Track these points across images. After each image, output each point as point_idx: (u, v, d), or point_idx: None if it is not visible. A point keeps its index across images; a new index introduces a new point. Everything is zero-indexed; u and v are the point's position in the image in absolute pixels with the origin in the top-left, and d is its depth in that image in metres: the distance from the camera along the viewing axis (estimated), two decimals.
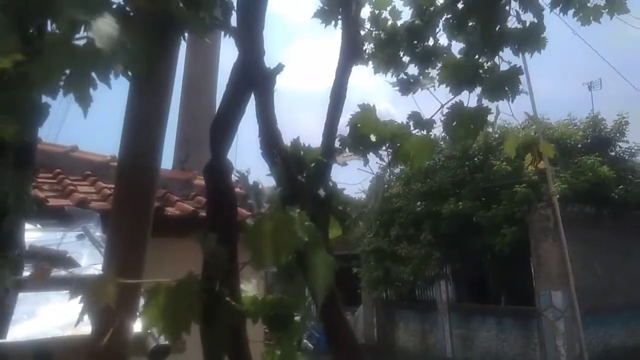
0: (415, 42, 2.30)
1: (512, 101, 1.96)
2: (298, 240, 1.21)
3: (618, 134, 12.14)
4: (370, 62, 2.38)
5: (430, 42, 2.37)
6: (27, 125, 1.17)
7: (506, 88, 1.90)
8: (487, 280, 12.69)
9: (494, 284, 12.44)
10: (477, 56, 1.99)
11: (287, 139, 1.57)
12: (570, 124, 12.60)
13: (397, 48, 2.40)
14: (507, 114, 2.17)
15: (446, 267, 13.16)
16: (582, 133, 12.10)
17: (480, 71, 1.95)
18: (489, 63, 1.99)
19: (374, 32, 2.37)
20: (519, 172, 10.50)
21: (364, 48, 2.33)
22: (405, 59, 2.42)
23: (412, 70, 2.48)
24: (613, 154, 12.09)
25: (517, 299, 11.48)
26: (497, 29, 1.95)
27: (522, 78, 2.33)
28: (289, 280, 1.38)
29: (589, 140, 11.95)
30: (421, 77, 1.93)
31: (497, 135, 12.32)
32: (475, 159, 12.33)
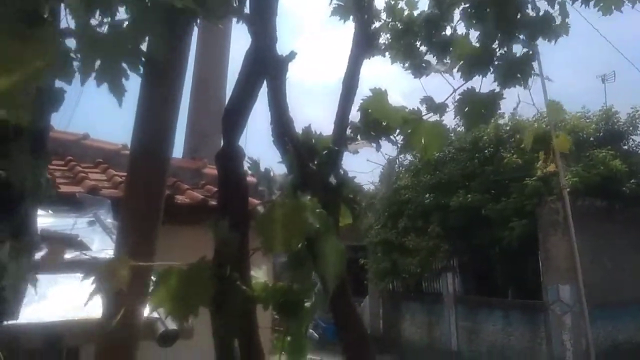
0: (433, 31, 2.29)
1: (524, 87, 1.95)
2: (309, 227, 1.22)
3: (631, 128, 12.00)
4: (387, 53, 2.38)
5: (448, 31, 2.37)
6: (42, 111, 1.19)
7: (518, 74, 1.89)
8: (495, 273, 12.66)
9: (501, 278, 12.40)
10: (491, 43, 1.97)
11: (298, 128, 1.57)
12: (583, 116, 12.47)
13: (414, 38, 2.40)
14: (528, 102, 2.17)
15: (454, 260, 13.13)
16: (594, 126, 11.97)
17: (493, 57, 1.93)
18: (502, 49, 1.98)
19: (390, 23, 2.36)
20: (529, 165, 10.42)
21: (380, 39, 2.33)
22: (422, 48, 2.41)
23: (429, 59, 2.48)
24: (626, 147, 11.96)
25: (524, 292, 11.45)
26: (514, 17, 1.93)
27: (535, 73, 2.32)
28: (299, 267, 1.39)
29: (602, 134, 11.82)
30: (434, 64, 1.92)
31: (508, 128, 12.22)
32: (486, 151, 12.25)
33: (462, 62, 1.90)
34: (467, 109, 1.65)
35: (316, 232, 1.23)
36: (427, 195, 12.76)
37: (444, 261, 13.16)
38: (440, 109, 1.62)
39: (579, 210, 10.28)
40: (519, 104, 2.30)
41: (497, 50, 1.96)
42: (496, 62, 1.93)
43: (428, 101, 1.63)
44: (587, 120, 12.26)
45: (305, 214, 1.22)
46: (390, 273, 13.73)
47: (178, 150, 8.25)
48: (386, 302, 15.13)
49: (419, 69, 1.76)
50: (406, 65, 1.81)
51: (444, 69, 1.76)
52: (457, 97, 1.73)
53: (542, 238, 10.87)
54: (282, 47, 1.47)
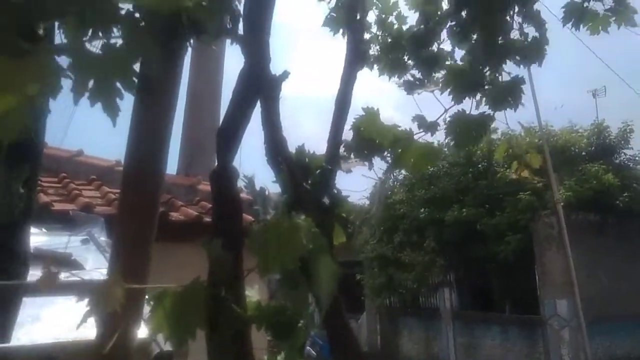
0: (420, 48, 2.32)
1: (515, 111, 1.98)
2: (303, 247, 1.21)
3: (623, 142, 12.09)
4: (375, 65, 2.41)
5: (435, 47, 2.40)
6: (24, 124, 1.18)
7: (509, 98, 1.92)
8: (491, 288, 12.63)
9: (498, 292, 12.38)
10: (480, 67, 2.01)
11: (292, 144, 1.58)
12: (574, 131, 12.57)
13: (402, 52, 2.43)
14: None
15: (450, 275, 13.11)
16: (586, 141, 12.07)
17: (483, 80, 1.96)
18: (492, 74, 2.01)
19: (380, 36, 2.39)
20: (523, 179, 10.46)
21: (370, 51, 2.36)
22: (410, 63, 2.44)
23: (416, 74, 2.51)
24: (618, 161, 12.04)
25: (521, 307, 11.42)
26: (499, 40, 1.97)
27: (526, 86, 2.35)
28: (293, 286, 1.39)
29: (594, 148, 11.91)
30: (426, 81, 1.95)
31: (500, 143, 12.29)
32: (479, 165, 12.32)
33: (453, 84, 1.93)
34: (457, 130, 1.67)
35: (310, 252, 1.23)
36: (422, 210, 12.77)
37: (440, 276, 13.14)
38: (431, 127, 1.64)
39: (573, 225, 10.31)
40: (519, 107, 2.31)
41: (487, 74, 2.00)
42: (487, 86, 1.96)
43: (420, 119, 1.65)
44: (579, 135, 12.36)
45: (300, 234, 1.22)
46: (387, 288, 13.67)
47: (172, 166, 8.24)
48: (383, 318, 15.05)
49: (410, 85, 1.78)
50: (399, 81, 1.84)
51: (435, 87, 1.78)
52: (448, 118, 1.75)
53: (537, 252, 10.88)
54: (276, 61, 1.48)
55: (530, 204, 10.60)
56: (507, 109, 1.96)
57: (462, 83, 1.91)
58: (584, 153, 11.86)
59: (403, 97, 2.48)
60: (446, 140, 1.85)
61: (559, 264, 10.35)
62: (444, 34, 2.33)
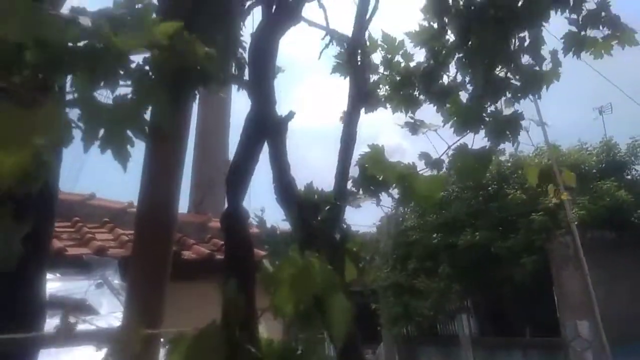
0: (430, 83, 2.39)
1: (513, 145, 2.02)
2: (316, 285, 1.23)
3: (633, 158, 12.04)
4: (387, 104, 2.47)
5: (445, 79, 2.46)
6: (40, 177, 1.22)
7: (507, 132, 1.96)
8: (510, 311, 12.40)
9: (517, 316, 12.14)
10: (481, 100, 2.06)
11: (299, 175, 1.60)
12: (583, 149, 12.54)
13: (413, 88, 2.49)
14: (526, 144, 2.22)
15: (467, 300, 12.90)
16: (596, 158, 12.02)
17: (484, 114, 2.01)
18: (492, 107, 2.06)
19: (388, 76, 2.46)
20: (534, 200, 10.40)
21: (379, 91, 2.42)
22: (422, 97, 2.50)
23: (429, 107, 2.57)
24: (629, 177, 11.96)
25: (542, 330, 11.18)
26: (500, 72, 2.02)
27: (532, 107, 2.39)
28: (306, 324, 1.39)
29: (604, 165, 11.85)
30: (424, 121, 2.00)
31: (509, 164, 12.28)
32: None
33: (454, 118, 1.98)
34: (460, 164, 1.70)
35: (323, 290, 1.25)
36: (434, 235, 12.67)
37: (457, 302, 12.93)
38: (437, 165, 1.67)
39: (589, 243, 10.18)
40: (518, 144, 2.35)
41: (487, 107, 2.05)
42: (487, 119, 2.00)
43: (426, 157, 1.69)
44: (588, 153, 12.33)
45: (312, 272, 1.24)
46: (403, 317, 13.46)
47: (183, 203, 8.31)
48: (401, 348, 14.75)
49: (414, 127, 1.83)
50: (402, 123, 1.89)
51: (437, 126, 1.82)
52: (451, 152, 1.78)
53: (555, 273, 10.72)
54: (282, 94, 1.52)
55: (544, 225, 10.50)
56: (506, 143, 2.01)
57: (464, 117, 1.95)
58: (594, 170, 11.79)
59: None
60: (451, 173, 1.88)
61: (577, 283, 10.17)
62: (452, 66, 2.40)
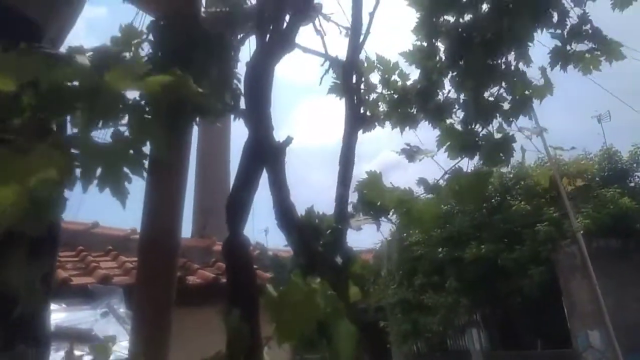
0: (426, 101, 2.43)
1: (507, 166, 2.04)
2: (320, 311, 1.23)
3: (635, 165, 12.01)
4: (386, 122, 2.52)
5: (441, 97, 2.50)
6: (41, 217, 1.23)
7: (501, 154, 1.99)
8: (519, 324, 12.27)
9: (526, 328, 12.01)
10: (472, 125, 2.09)
11: (300, 195, 1.61)
12: (584, 158, 12.53)
13: (410, 106, 2.53)
14: (531, 150, 2.25)
15: (476, 314, 12.77)
16: (597, 166, 12.00)
17: (477, 139, 2.04)
18: (484, 131, 2.09)
19: (386, 95, 2.51)
20: (538, 210, 10.38)
21: (378, 109, 2.46)
22: (419, 115, 2.55)
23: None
24: (632, 184, 11.91)
25: (552, 341, 11.04)
26: (490, 97, 2.05)
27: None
28: (311, 350, 1.39)
29: (606, 173, 11.83)
30: (421, 148, 2.03)
31: (512, 176, 12.27)
32: (493, 200, 12.23)
33: (446, 143, 2.01)
34: (457, 189, 1.71)
35: (327, 315, 1.24)
36: (440, 250, 12.60)
37: (466, 316, 12.80)
38: (434, 189, 1.69)
39: (595, 252, 10.10)
40: (524, 152, 2.36)
41: (480, 131, 2.08)
42: (480, 142, 2.03)
43: (424, 182, 1.70)
44: (590, 161, 12.31)
45: (315, 298, 1.24)
46: (412, 334, 13.32)
47: (186, 228, 8.31)
48: None
49: (410, 154, 1.85)
50: (398, 150, 1.93)
51: (432, 153, 1.85)
52: (447, 177, 1.80)
53: (563, 284, 10.63)
54: (284, 114, 1.54)
55: (550, 235, 10.45)
56: (500, 165, 2.03)
57: (457, 142, 1.98)
58: (597, 179, 11.77)
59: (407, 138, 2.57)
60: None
61: (586, 293, 10.07)
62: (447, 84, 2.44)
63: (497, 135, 2.10)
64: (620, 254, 10.58)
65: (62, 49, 1.30)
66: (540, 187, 11.24)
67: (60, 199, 1.26)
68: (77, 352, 1.21)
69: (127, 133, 1.27)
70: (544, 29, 2.17)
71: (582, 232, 9.97)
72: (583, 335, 10.28)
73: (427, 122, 2.54)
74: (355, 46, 1.84)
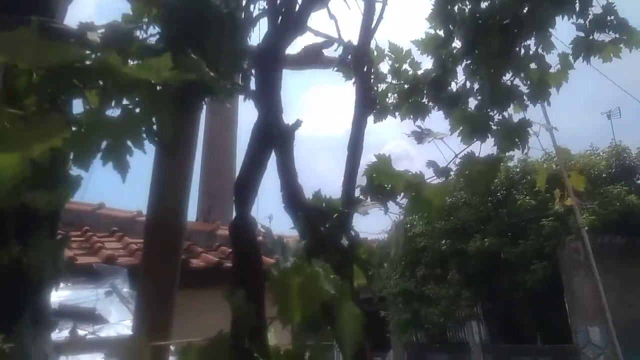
0: (439, 90, 2.40)
1: (522, 152, 2.02)
2: (324, 293, 1.23)
3: None
4: (396, 113, 2.49)
5: (454, 86, 2.47)
6: (61, 195, 1.24)
7: (516, 139, 1.97)
8: (521, 318, 12.28)
9: (527, 322, 12.03)
10: (487, 110, 2.06)
11: (308, 184, 1.61)
12: (593, 154, 12.44)
13: (421, 96, 2.51)
14: (537, 149, 2.22)
15: (477, 307, 12.79)
16: (605, 163, 11.92)
17: (491, 123, 2.01)
18: (499, 116, 2.07)
19: (396, 85, 2.48)
20: (543, 205, 10.33)
21: (387, 100, 2.44)
22: (430, 105, 2.52)
23: (437, 114, 2.58)
24: None
25: (553, 336, 11.06)
26: (506, 81, 2.03)
27: (539, 112, 2.38)
28: (315, 332, 1.39)
29: (613, 170, 11.75)
30: (432, 131, 2.01)
31: (518, 170, 12.22)
32: (498, 194, 12.19)
33: (461, 127, 1.99)
34: (467, 173, 1.70)
35: (332, 298, 1.24)
36: (443, 242, 12.60)
37: (467, 309, 12.82)
38: (444, 173, 1.67)
39: (600, 249, 10.08)
40: (529, 150, 2.35)
41: (495, 115, 2.06)
42: (495, 127, 2.01)
43: (434, 165, 1.69)
44: (597, 157, 12.23)
45: (320, 280, 1.24)
46: (413, 324, 13.37)
47: (191, 212, 8.34)
48: (411, 355, 14.65)
49: (420, 136, 1.83)
50: (408, 132, 1.91)
51: (443, 135, 1.83)
52: (458, 161, 1.79)
53: (565, 279, 10.61)
54: (290, 104, 1.53)
55: (554, 230, 10.41)
56: (515, 150, 2.01)
57: (471, 126, 1.96)
58: (604, 175, 11.69)
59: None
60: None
61: (589, 290, 10.06)
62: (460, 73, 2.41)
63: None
64: (625, 252, 10.54)
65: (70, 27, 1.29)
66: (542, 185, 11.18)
67: (75, 179, 1.27)
68: (80, 331, 1.22)
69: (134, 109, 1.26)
70: (565, 17, 2.14)
71: (586, 228, 9.94)
72: (583, 331, 10.29)
73: (436, 113, 2.51)
74: (368, 30, 1.82)
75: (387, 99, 2.56)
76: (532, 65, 2.15)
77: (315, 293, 1.22)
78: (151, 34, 1.44)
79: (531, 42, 2.13)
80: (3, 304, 1.25)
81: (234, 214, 1.48)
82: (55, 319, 2.00)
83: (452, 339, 13.61)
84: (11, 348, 1.17)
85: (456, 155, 1.76)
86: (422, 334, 14.05)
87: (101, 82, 1.08)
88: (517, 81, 2.16)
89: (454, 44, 2.31)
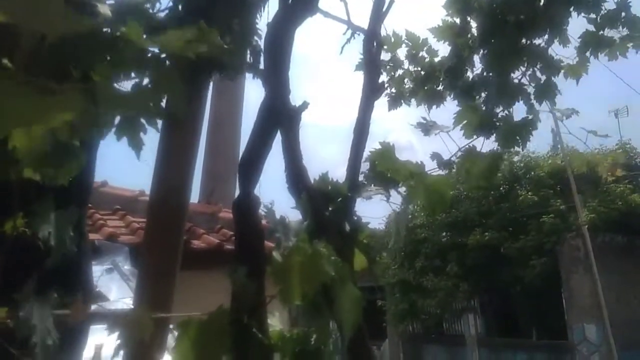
0: (456, 79, 2.39)
1: (523, 149, 2.02)
2: (325, 275, 1.23)
3: None
4: (411, 99, 2.49)
5: (470, 75, 2.46)
6: (67, 167, 1.24)
7: (518, 137, 1.98)
8: (517, 313, 12.34)
9: (524, 317, 12.08)
10: (492, 106, 2.07)
11: (312, 172, 1.61)
12: (599, 152, 12.38)
13: (437, 83, 2.50)
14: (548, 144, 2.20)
15: (474, 300, 12.85)
16: (611, 161, 11.86)
17: (494, 119, 2.02)
18: (504, 112, 2.07)
19: (413, 71, 2.48)
20: (545, 201, 10.32)
21: (403, 86, 2.44)
22: (446, 92, 2.52)
23: (444, 106, 2.58)
24: None
25: (548, 332, 11.11)
26: (515, 79, 2.03)
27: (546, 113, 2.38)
28: (315, 314, 1.40)
29: (620, 168, 11.69)
30: (437, 123, 2.01)
31: (522, 165, 12.19)
32: (501, 188, 12.18)
33: (464, 121, 1.99)
34: (468, 168, 1.70)
35: (332, 279, 1.25)
36: (444, 234, 12.62)
37: (464, 301, 12.88)
38: (447, 165, 1.67)
39: (600, 247, 10.09)
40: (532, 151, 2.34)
41: (499, 112, 2.06)
42: (498, 124, 2.02)
43: (437, 157, 1.68)
44: (603, 156, 12.16)
45: (321, 261, 1.24)
46: (409, 315, 13.45)
47: (194, 194, 8.34)
48: (406, 345, 14.75)
49: (425, 128, 1.83)
50: (414, 123, 1.91)
51: (448, 129, 1.82)
52: (460, 154, 1.79)
53: (564, 276, 10.64)
54: (296, 90, 1.53)
55: (555, 227, 10.42)
56: (515, 148, 2.02)
57: (475, 122, 1.96)
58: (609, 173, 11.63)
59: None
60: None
61: (587, 287, 10.09)
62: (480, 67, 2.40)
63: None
64: (626, 251, 10.55)
65: None
66: (548, 179, 11.18)
67: (88, 150, 1.27)
68: (84, 301, 1.24)
69: (146, 85, 1.26)
70: (578, 13, 2.12)
71: (587, 226, 9.94)
72: (579, 328, 10.33)
73: (443, 108, 2.51)
74: (378, 15, 1.81)
75: (404, 85, 2.55)
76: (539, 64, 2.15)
77: (316, 274, 1.23)
78: (159, 9, 1.43)
79: (541, 40, 2.13)
80: (8, 274, 1.26)
81: (238, 193, 1.48)
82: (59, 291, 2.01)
83: (448, 331, 13.70)
84: (15, 319, 1.17)
85: (459, 149, 1.76)
86: (419, 325, 14.13)
87: (115, 55, 1.07)
88: (524, 80, 2.17)
89: (471, 33, 2.29)
